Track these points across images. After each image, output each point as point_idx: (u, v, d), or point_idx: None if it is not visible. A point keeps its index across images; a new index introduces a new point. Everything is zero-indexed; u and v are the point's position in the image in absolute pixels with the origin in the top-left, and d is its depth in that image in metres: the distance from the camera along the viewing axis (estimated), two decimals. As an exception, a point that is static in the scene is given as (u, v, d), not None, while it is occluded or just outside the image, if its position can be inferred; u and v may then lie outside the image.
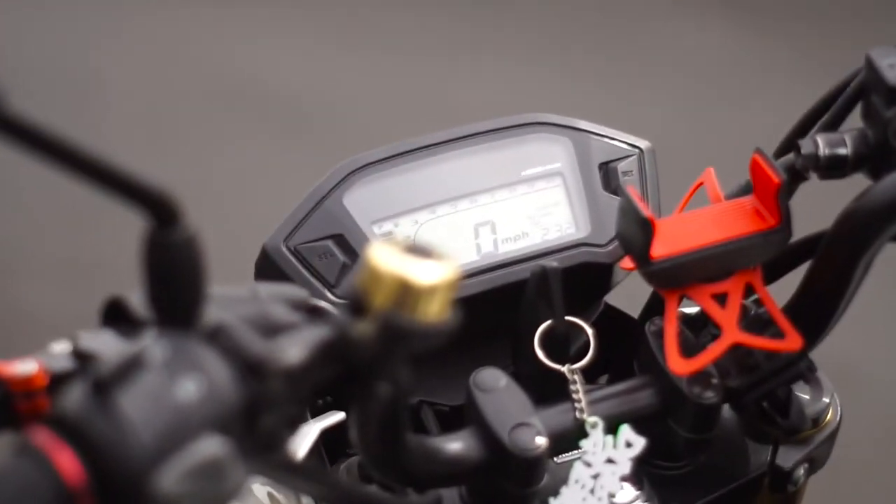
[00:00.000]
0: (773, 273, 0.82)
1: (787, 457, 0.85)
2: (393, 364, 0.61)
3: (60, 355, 0.61)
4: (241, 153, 2.24)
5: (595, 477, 0.76)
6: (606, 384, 0.85)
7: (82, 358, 0.60)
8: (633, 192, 0.76)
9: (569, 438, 0.78)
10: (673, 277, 0.77)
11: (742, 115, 2.29)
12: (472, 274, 0.88)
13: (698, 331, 0.83)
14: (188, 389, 0.54)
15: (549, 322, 0.84)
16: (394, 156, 0.90)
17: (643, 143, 0.94)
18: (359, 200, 0.88)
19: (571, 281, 0.86)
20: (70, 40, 2.43)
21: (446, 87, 2.35)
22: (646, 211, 0.75)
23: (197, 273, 0.57)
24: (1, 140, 0.51)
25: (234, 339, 0.57)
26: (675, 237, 0.77)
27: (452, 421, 0.86)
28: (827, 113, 0.83)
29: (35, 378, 0.59)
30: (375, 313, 0.58)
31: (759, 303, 0.80)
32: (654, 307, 0.89)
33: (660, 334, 0.79)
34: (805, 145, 0.80)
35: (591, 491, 0.76)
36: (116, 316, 0.61)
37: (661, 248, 0.76)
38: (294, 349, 0.59)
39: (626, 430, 0.76)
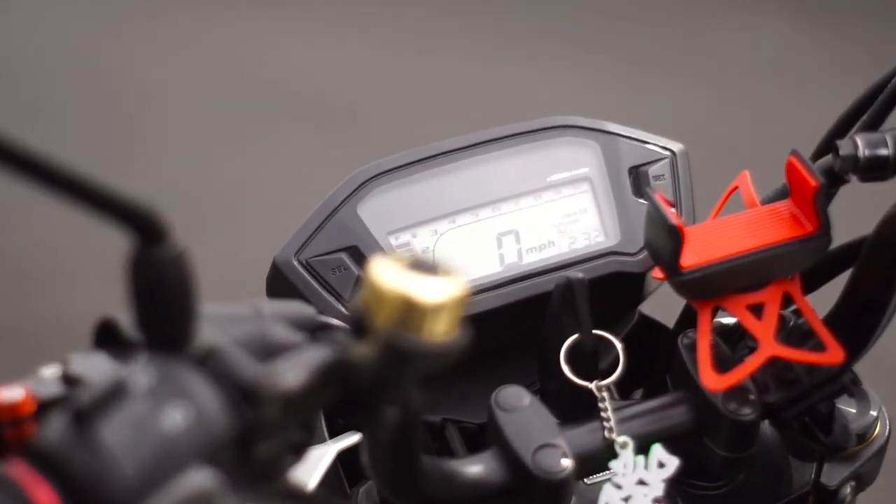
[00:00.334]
0: (813, 282, 0.80)
1: (833, 475, 0.84)
2: (400, 387, 0.58)
3: (50, 380, 0.58)
4: (273, 153, 2.25)
5: (626, 500, 0.74)
6: (640, 399, 0.82)
7: (71, 382, 0.57)
8: (660, 197, 0.74)
9: (597, 459, 0.75)
10: (705, 288, 0.75)
11: (786, 115, 2.26)
12: (495, 286, 0.86)
13: (735, 343, 0.81)
14: (174, 418, 0.52)
15: (575, 336, 0.81)
16: (411, 163, 0.87)
17: (676, 146, 0.91)
18: (374, 210, 0.85)
19: (601, 292, 0.83)
20: (103, 43, 2.47)
21: (480, 87, 2.36)
22: (674, 218, 0.73)
23: (186, 293, 0.54)
24: None
25: (227, 363, 0.55)
26: (706, 245, 0.75)
27: (479, 439, 0.84)
28: (867, 112, 0.81)
29: (22, 405, 0.57)
30: (377, 334, 0.55)
31: (798, 313, 0.78)
32: (689, 318, 0.87)
33: (693, 347, 0.77)
34: (844, 146, 0.77)
35: (623, 514, 0.74)
36: (109, 337, 0.59)
37: (691, 258, 0.74)
38: (291, 373, 0.56)
39: (658, 450, 0.74)
